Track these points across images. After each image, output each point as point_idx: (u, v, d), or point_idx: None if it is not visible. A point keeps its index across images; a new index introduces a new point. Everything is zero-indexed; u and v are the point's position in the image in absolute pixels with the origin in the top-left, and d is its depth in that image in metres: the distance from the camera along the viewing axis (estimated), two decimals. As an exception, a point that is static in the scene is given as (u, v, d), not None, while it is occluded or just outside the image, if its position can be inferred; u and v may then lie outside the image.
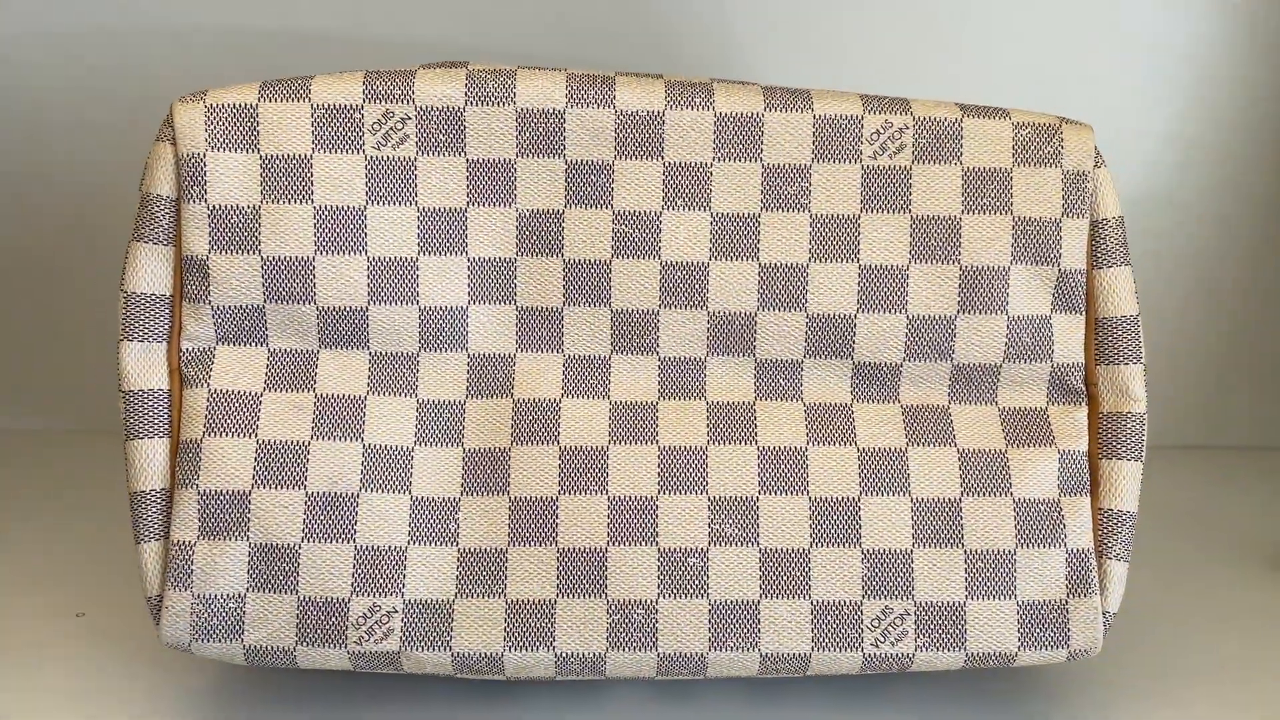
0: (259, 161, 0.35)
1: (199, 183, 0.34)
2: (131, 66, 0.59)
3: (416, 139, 0.36)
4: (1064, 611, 0.36)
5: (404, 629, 0.35)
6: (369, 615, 0.35)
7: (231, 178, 0.35)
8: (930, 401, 0.37)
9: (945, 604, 0.36)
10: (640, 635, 0.35)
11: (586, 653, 0.35)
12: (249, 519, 0.35)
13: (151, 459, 0.35)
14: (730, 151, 0.36)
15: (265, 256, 0.35)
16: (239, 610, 0.35)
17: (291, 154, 0.35)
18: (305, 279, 0.35)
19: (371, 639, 0.35)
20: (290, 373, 0.36)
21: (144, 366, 0.35)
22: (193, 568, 0.35)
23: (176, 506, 0.35)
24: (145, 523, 0.35)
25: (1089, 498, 0.37)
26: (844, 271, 0.36)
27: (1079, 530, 0.37)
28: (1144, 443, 0.37)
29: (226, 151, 0.35)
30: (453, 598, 0.35)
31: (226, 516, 0.35)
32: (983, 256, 0.36)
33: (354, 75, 0.36)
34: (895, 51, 0.60)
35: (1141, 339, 0.37)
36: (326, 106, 0.35)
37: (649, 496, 0.36)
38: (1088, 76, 0.60)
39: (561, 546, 0.36)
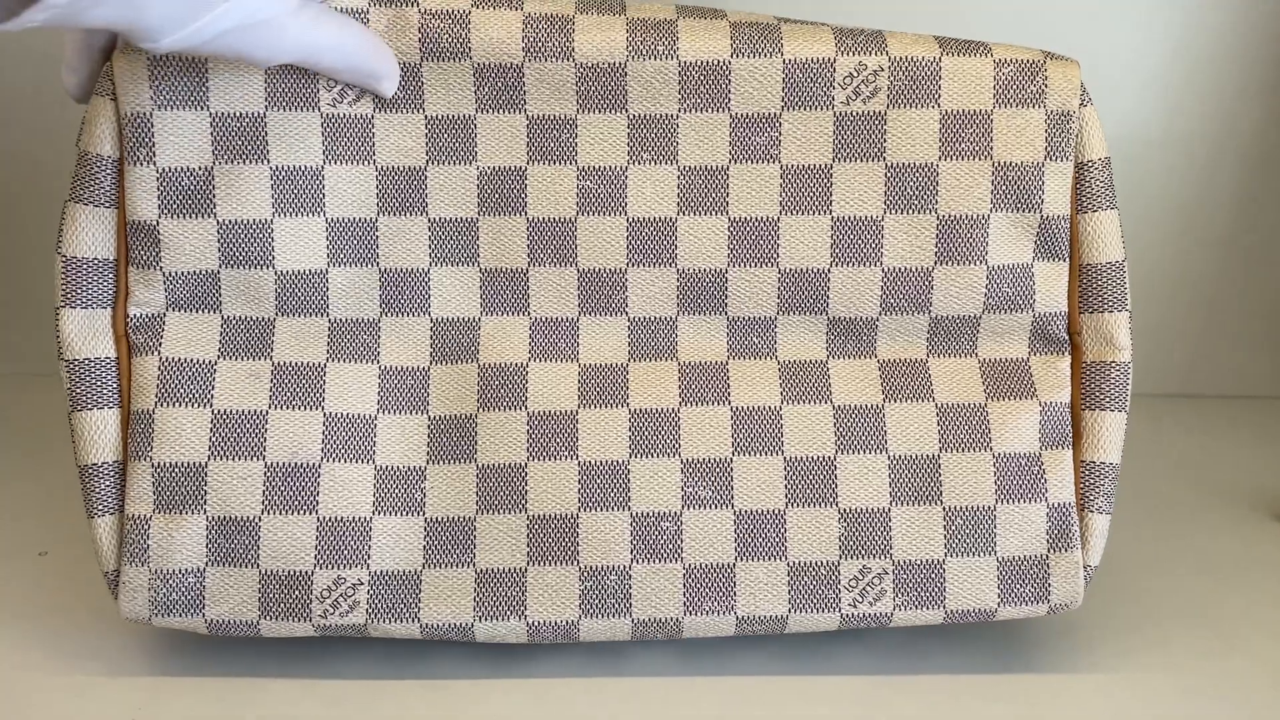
0: (209, 119, 0.33)
1: (145, 144, 0.33)
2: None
3: (373, 96, 0.34)
4: (1044, 567, 0.36)
5: (370, 601, 0.34)
6: (334, 588, 0.34)
7: (181, 138, 0.33)
8: (908, 355, 0.36)
9: (924, 562, 0.35)
10: (614, 601, 0.35)
11: (559, 620, 0.35)
12: (206, 491, 0.34)
13: (101, 431, 0.34)
14: (696, 102, 0.34)
15: (220, 220, 0.34)
16: (199, 585, 0.34)
17: (245, 112, 0.33)
18: (263, 243, 0.34)
19: (336, 612, 0.34)
20: (246, 340, 0.35)
21: (87, 334, 0.34)
22: (149, 543, 0.34)
23: (130, 479, 0.34)
24: (97, 497, 0.34)
25: (1071, 450, 0.36)
26: (816, 224, 0.35)
27: (1060, 484, 0.36)
28: (1129, 393, 0.36)
29: (174, 110, 0.33)
30: (420, 568, 0.35)
31: (182, 489, 0.34)
32: (961, 205, 0.35)
33: None
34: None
35: (1127, 286, 0.36)
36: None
37: (620, 460, 0.35)
38: (1076, 14, 0.59)
39: (531, 514, 0.35)
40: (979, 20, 0.59)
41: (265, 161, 0.34)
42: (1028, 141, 0.35)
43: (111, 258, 0.34)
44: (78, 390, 0.34)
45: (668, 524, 0.35)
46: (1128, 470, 0.43)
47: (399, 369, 0.35)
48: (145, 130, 0.33)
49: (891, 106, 0.34)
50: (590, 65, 0.34)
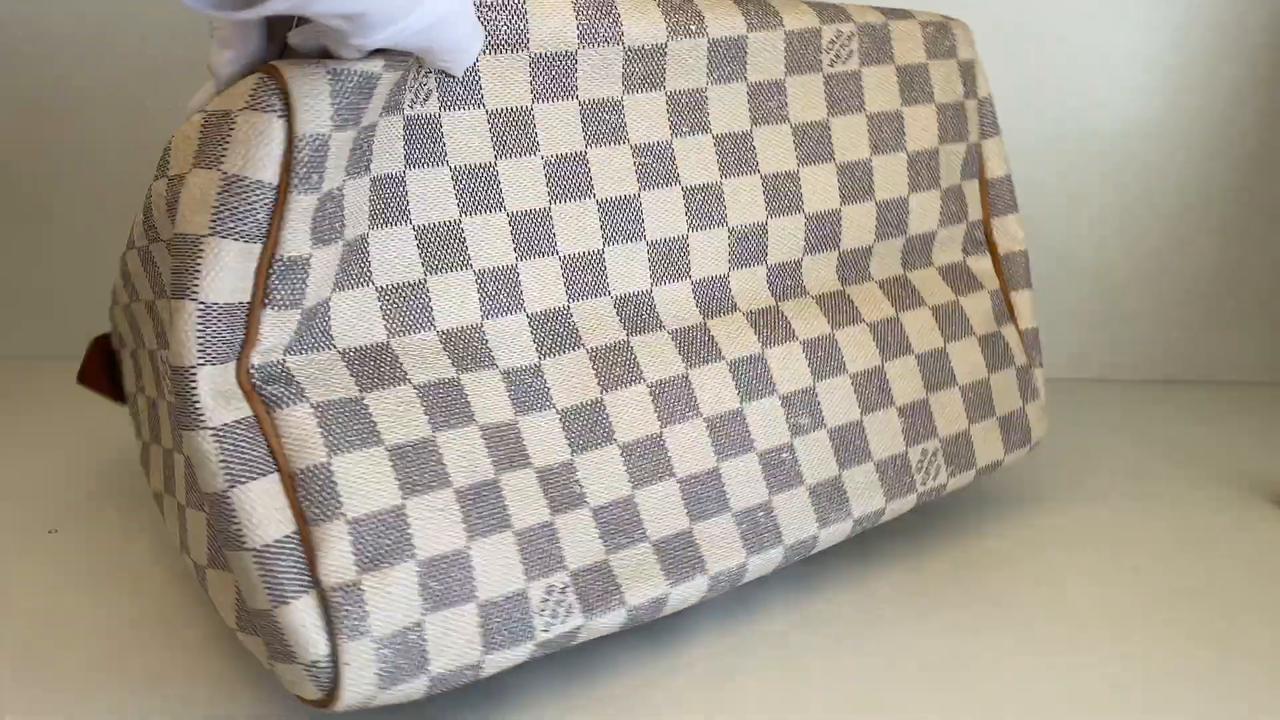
0: (356, 135, 0.30)
1: (318, 169, 0.29)
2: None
3: (439, 95, 0.33)
4: (1024, 416, 0.45)
5: (580, 601, 0.34)
6: (548, 597, 0.33)
7: (338, 160, 0.30)
8: (891, 274, 0.43)
9: (957, 434, 0.43)
10: (768, 535, 0.37)
11: (733, 565, 0.37)
12: (410, 534, 0.31)
13: (271, 502, 0.29)
14: (721, 74, 0.38)
15: (346, 240, 0.31)
16: (420, 640, 0.31)
17: (369, 123, 0.31)
18: (361, 260, 0.32)
19: (557, 620, 0.33)
20: (376, 370, 0.32)
21: (226, 393, 0.29)
22: (367, 609, 0.30)
23: (322, 546, 0.30)
24: (284, 578, 0.30)
25: (1012, 325, 0.46)
26: (826, 171, 0.41)
27: (1018, 351, 0.45)
28: (1030, 274, 0.47)
29: (344, 130, 0.29)
30: (605, 556, 0.35)
31: (386, 539, 0.30)
32: (921, 141, 0.43)
33: None
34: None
35: (1014, 192, 0.46)
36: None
37: (735, 409, 0.38)
38: (1076, 4, 0.60)
39: (680, 476, 0.36)
40: (982, 9, 0.60)
41: (367, 173, 0.32)
42: (952, 86, 0.43)
43: (247, 300, 0.29)
44: (233, 462, 0.29)
45: (786, 454, 0.38)
46: (1126, 454, 0.50)
47: (518, 369, 0.35)
48: (322, 154, 0.29)
49: (864, 65, 0.41)
50: (636, 48, 0.36)
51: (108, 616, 0.40)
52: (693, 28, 0.37)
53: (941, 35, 0.43)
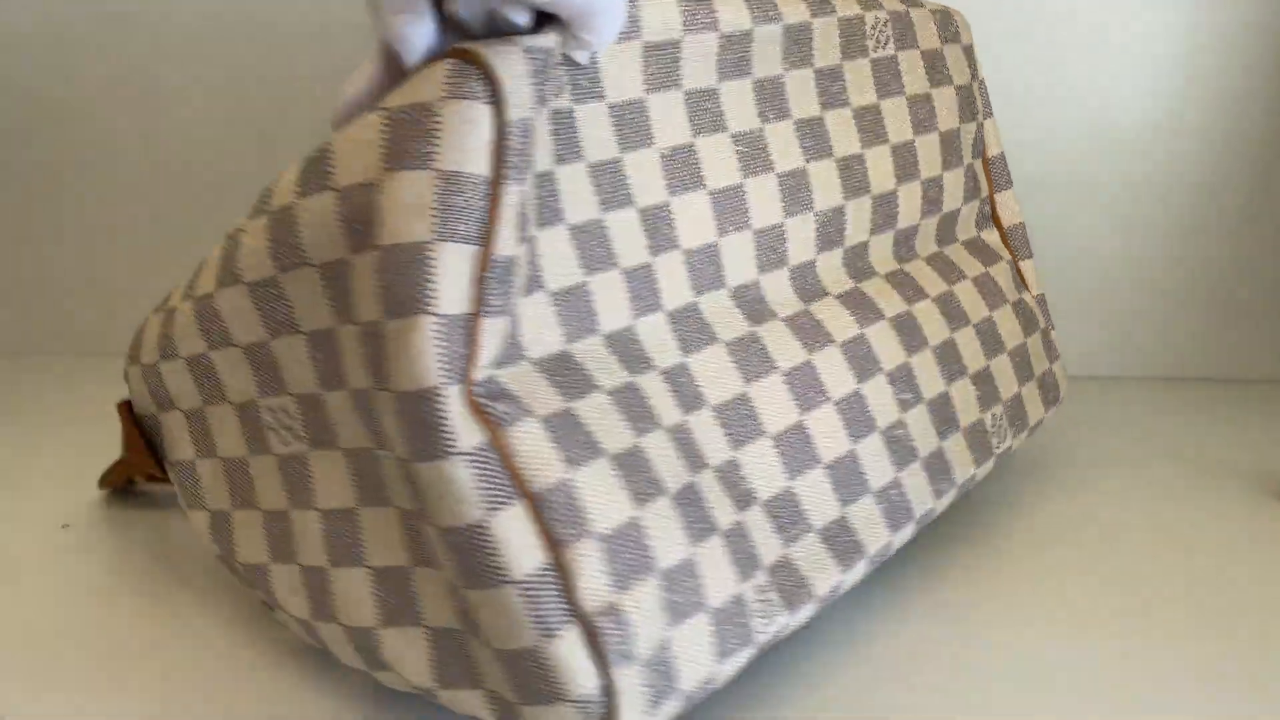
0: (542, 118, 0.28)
1: (526, 157, 0.27)
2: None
3: (571, 89, 0.32)
4: (1053, 374, 0.48)
5: (781, 597, 0.33)
6: (757, 596, 0.32)
7: (535, 147, 0.27)
8: (932, 250, 0.45)
9: (1013, 396, 0.45)
10: (900, 514, 0.38)
11: (881, 546, 0.37)
12: (648, 546, 0.29)
13: (522, 532, 0.27)
14: (794, 61, 0.38)
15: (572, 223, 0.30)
16: (669, 658, 0.29)
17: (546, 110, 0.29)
18: (531, 266, 0.30)
19: (766, 620, 0.32)
20: (564, 374, 0.30)
21: (465, 416, 0.26)
22: (635, 631, 0.28)
23: (578, 571, 0.27)
24: (546, 609, 0.27)
25: (1028, 292, 0.48)
26: (883, 153, 0.42)
27: (1039, 315, 0.48)
28: (1029, 243, 0.50)
29: (539, 114, 0.27)
30: (783, 551, 0.34)
31: (633, 555, 0.28)
32: (948, 122, 0.45)
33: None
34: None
35: (1008, 168, 0.49)
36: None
37: (854, 390, 0.38)
38: (1090, 1, 0.59)
39: (824, 461, 0.36)
40: (992, 4, 0.59)
41: (533, 170, 0.30)
42: (961, 69, 0.46)
43: (469, 310, 0.27)
44: (487, 488, 0.26)
45: (900, 430, 0.39)
46: (1132, 452, 0.51)
47: (670, 369, 0.33)
48: (528, 141, 0.26)
49: (899, 49, 0.43)
50: (728, 35, 0.36)
51: (120, 612, 0.40)
52: (770, 13, 0.37)
53: (947, 21, 0.46)
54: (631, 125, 0.33)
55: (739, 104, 0.36)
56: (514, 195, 0.26)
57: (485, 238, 0.26)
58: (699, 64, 0.35)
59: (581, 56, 0.30)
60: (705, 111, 0.35)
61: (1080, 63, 0.62)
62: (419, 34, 0.27)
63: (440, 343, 0.26)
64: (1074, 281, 0.65)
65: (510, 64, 0.26)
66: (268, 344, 0.31)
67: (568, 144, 0.31)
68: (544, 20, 0.28)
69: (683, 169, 0.34)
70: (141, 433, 0.38)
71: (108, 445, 0.56)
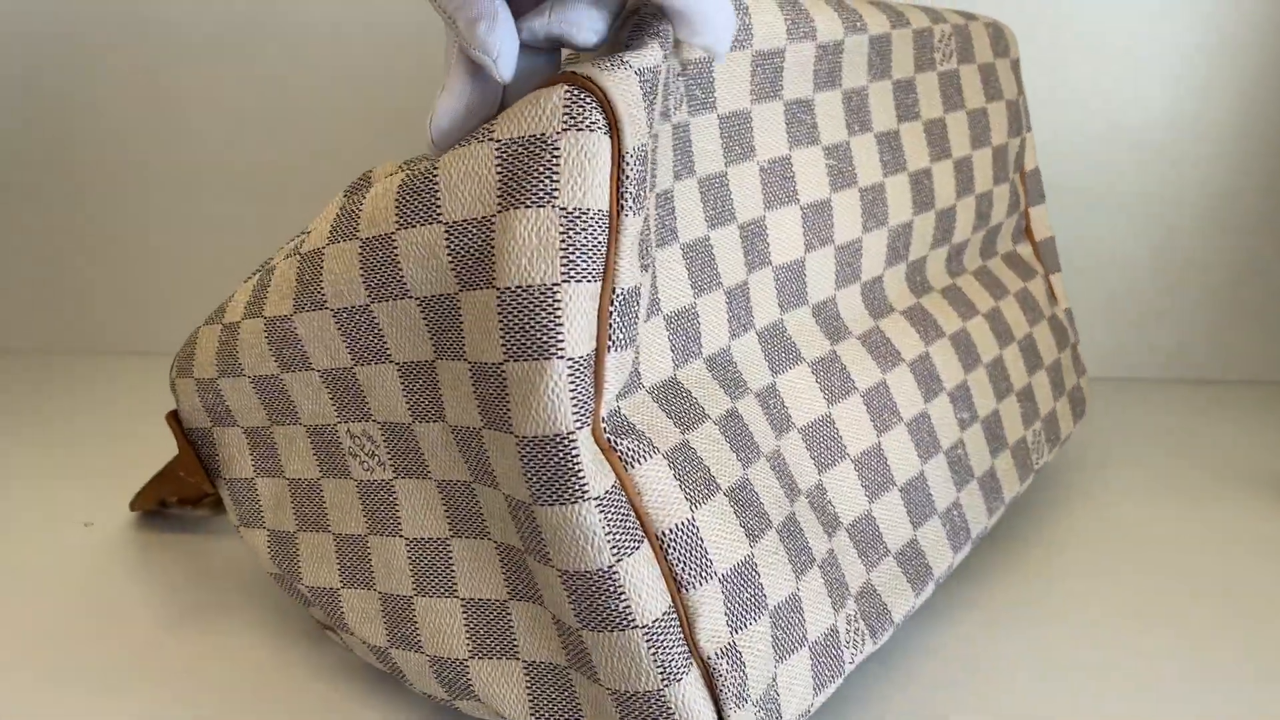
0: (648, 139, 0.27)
1: (645, 186, 0.25)
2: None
3: (688, 100, 0.31)
4: (1080, 389, 0.48)
5: (868, 625, 0.33)
6: (849, 627, 0.32)
7: (651, 172, 0.26)
8: (977, 265, 0.45)
9: (1049, 412, 0.45)
10: (960, 534, 0.38)
11: (945, 567, 0.37)
12: (761, 584, 0.28)
13: (647, 574, 0.26)
14: (876, 72, 0.38)
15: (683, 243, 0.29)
16: (776, 694, 0.29)
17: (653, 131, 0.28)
18: (650, 292, 0.29)
19: (856, 650, 0.32)
20: (680, 404, 0.29)
21: (596, 458, 0.26)
22: (745, 672, 0.27)
23: (698, 612, 0.27)
24: (673, 653, 0.26)
25: (1059, 305, 0.49)
26: (947, 168, 0.41)
27: (1070, 329, 0.48)
28: (1058, 257, 0.50)
29: (652, 137, 0.26)
30: (869, 578, 0.34)
31: (747, 595, 0.28)
32: (999, 136, 0.45)
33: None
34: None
35: (1042, 182, 0.49)
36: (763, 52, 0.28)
37: (924, 410, 0.38)
38: (1108, 2, 0.59)
39: (900, 484, 0.36)
40: (1014, 5, 0.59)
41: (654, 189, 0.29)
42: (1009, 83, 0.46)
43: (594, 348, 0.26)
44: (617, 533, 0.25)
45: (960, 450, 0.39)
46: (1152, 453, 0.51)
47: (762, 390, 0.33)
48: (645, 169, 0.25)
49: (960, 63, 0.42)
50: (823, 45, 0.35)
51: (157, 624, 0.39)
52: (858, 24, 0.36)
53: (999, 36, 0.45)
54: (737, 137, 0.32)
55: (830, 116, 0.35)
56: (634, 226, 0.25)
57: (606, 273, 0.25)
58: (798, 74, 0.34)
59: (715, 50, 0.29)
60: (801, 123, 0.34)
61: (1098, 64, 0.62)
62: (507, 44, 0.25)
63: (572, 387, 0.25)
64: (1093, 282, 0.66)
65: (626, 89, 0.25)
66: (352, 370, 0.30)
67: (683, 159, 0.30)
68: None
69: (779, 183, 0.33)
70: (191, 446, 0.36)
71: (131, 444, 0.56)
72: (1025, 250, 0.49)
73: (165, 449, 0.55)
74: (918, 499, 0.36)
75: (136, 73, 0.68)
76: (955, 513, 0.38)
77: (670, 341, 0.29)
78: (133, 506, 0.44)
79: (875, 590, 0.33)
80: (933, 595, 0.41)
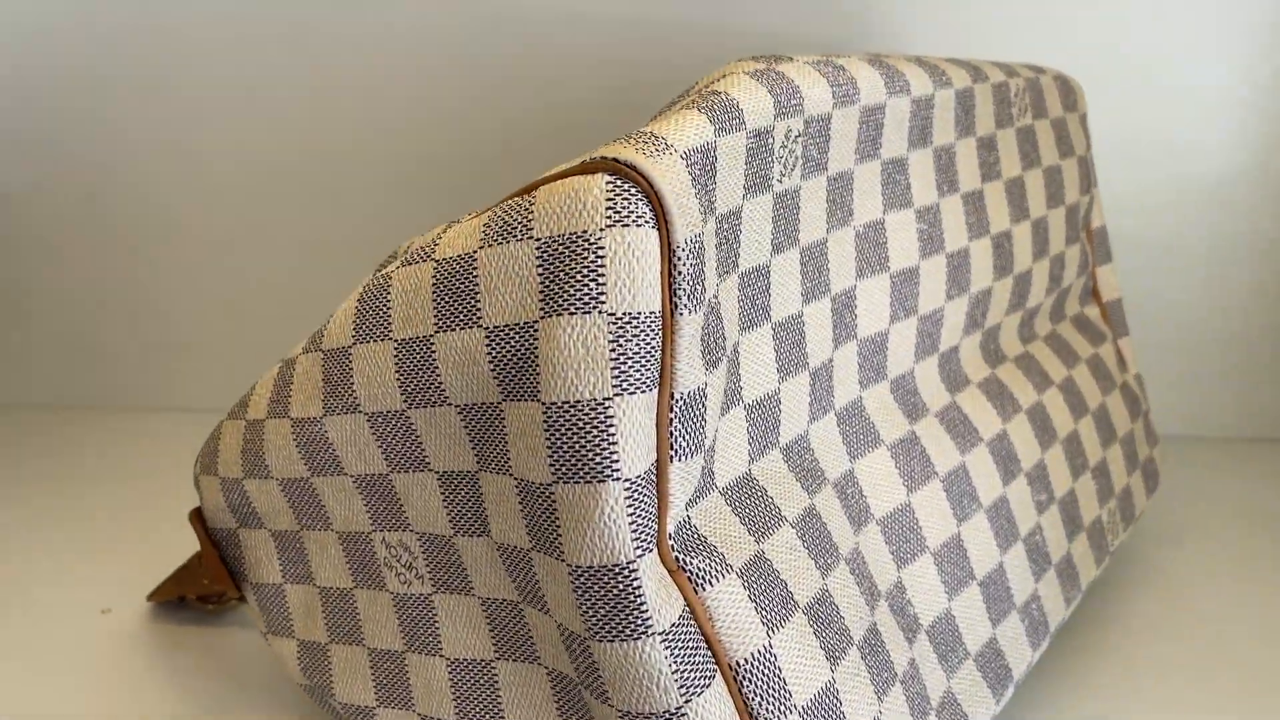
0: (714, 224, 0.24)
1: (700, 280, 0.23)
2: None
3: (803, 162, 0.28)
4: (1153, 461, 0.45)
5: (945, 665, 0.30)
6: (912, 672, 0.29)
7: (710, 261, 0.24)
8: (1047, 330, 0.42)
9: (1124, 488, 0.42)
10: (1041, 629, 0.35)
11: (1024, 666, 0.34)
12: (844, 713, 0.26)
13: (720, 713, 0.23)
14: (962, 129, 0.35)
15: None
16: None
17: (731, 209, 0.25)
18: (735, 373, 0.26)
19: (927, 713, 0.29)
20: (752, 505, 0.26)
21: (661, 585, 0.23)
22: None
23: None
24: None
25: (1129, 372, 0.46)
26: (1025, 229, 0.39)
27: (1142, 398, 0.45)
28: (1126, 320, 0.47)
29: (708, 222, 0.24)
30: (948, 683, 0.31)
31: None
32: (1072, 195, 0.42)
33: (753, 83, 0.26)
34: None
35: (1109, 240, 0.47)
36: (757, 131, 0.26)
37: (1001, 497, 0.35)
38: (1171, 45, 0.58)
39: (979, 578, 0.33)
40: (1075, 54, 0.58)
41: (736, 270, 0.26)
42: (1079, 138, 0.43)
43: (655, 460, 0.23)
44: (686, 670, 0.23)
45: (1039, 536, 0.36)
46: (1225, 523, 0.49)
47: (839, 479, 0.30)
48: (700, 260, 0.23)
49: (1034, 119, 0.40)
50: (916, 99, 0.32)
51: (160, 710, 0.37)
52: (943, 79, 0.34)
53: (1068, 90, 0.43)
54: (839, 201, 0.29)
55: (922, 176, 0.33)
56: (691, 325, 0.23)
57: (663, 379, 0.23)
58: (895, 130, 0.31)
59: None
60: (896, 184, 0.32)
61: (1162, 113, 0.59)
62: None
63: (631, 510, 0.22)
64: (1155, 337, 0.63)
65: (673, 176, 0.23)
66: (388, 477, 0.28)
67: (788, 229, 0.27)
68: None
69: (872, 250, 0.31)
70: (216, 547, 0.34)
71: (156, 516, 0.54)
72: (1093, 312, 0.46)
73: (185, 531, 0.53)
74: (997, 594, 0.33)
75: (163, 126, 0.67)
76: (1034, 606, 0.35)
77: (749, 433, 0.27)
78: (151, 599, 0.42)
79: (956, 700, 0.31)
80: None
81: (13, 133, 0.68)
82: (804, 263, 0.28)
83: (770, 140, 0.26)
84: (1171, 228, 0.61)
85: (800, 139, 0.27)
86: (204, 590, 0.38)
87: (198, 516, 0.34)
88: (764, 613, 0.24)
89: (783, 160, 0.27)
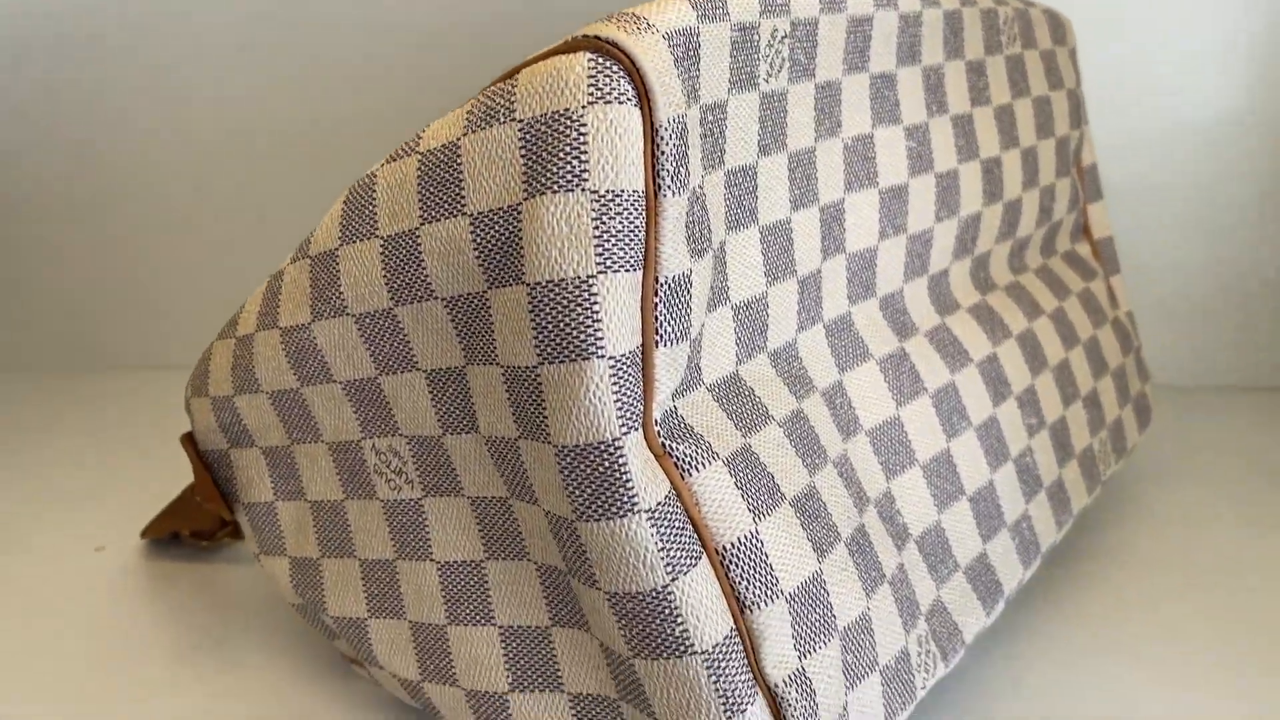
0: (697, 115, 0.24)
1: (684, 161, 0.23)
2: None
3: (789, 62, 0.28)
4: (1145, 397, 0.45)
5: (938, 644, 0.30)
6: (920, 649, 0.29)
7: (694, 146, 0.24)
8: (1039, 263, 0.42)
9: (1116, 420, 0.42)
10: (1030, 549, 0.35)
11: (1015, 584, 0.34)
12: (830, 603, 0.26)
13: (707, 593, 0.24)
14: (951, 50, 0.35)
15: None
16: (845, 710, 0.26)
17: (716, 101, 0.25)
18: (721, 277, 0.26)
19: (928, 674, 0.29)
20: (741, 405, 0.26)
21: (647, 466, 0.23)
22: (816, 701, 0.25)
23: (764, 635, 0.24)
24: (736, 682, 0.24)
25: (1120, 309, 0.46)
26: (1015, 157, 0.39)
27: (1133, 333, 0.45)
28: (1118, 258, 0.47)
29: (694, 106, 0.24)
30: (938, 595, 0.31)
31: (817, 617, 0.25)
32: (1062, 127, 0.42)
33: None
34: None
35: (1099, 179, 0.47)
36: (743, 25, 0.26)
37: (992, 415, 0.35)
38: None
39: (969, 494, 0.33)
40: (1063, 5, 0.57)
41: (722, 166, 0.26)
42: (1069, 72, 0.43)
43: (640, 343, 0.23)
44: (673, 548, 0.23)
45: (1029, 459, 0.36)
46: (1218, 464, 0.48)
47: (828, 389, 0.30)
48: (683, 141, 0.23)
49: (1024, 48, 0.40)
50: (904, 15, 0.32)
51: (156, 643, 0.38)
52: None
53: (1057, 23, 0.43)
54: (827, 110, 0.29)
55: (911, 93, 0.33)
56: (675, 207, 0.23)
57: (648, 259, 0.23)
58: (882, 45, 0.31)
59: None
60: (885, 99, 0.32)
61: (1153, 60, 0.59)
62: None
63: (616, 388, 0.22)
64: (1147, 285, 0.63)
65: (655, 55, 0.23)
66: (376, 380, 0.28)
67: (775, 132, 0.27)
68: None
69: (861, 163, 0.31)
70: (208, 471, 0.34)
71: (145, 463, 0.54)
72: (1084, 249, 0.46)
73: (177, 470, 0.53)
74: (987, 510, 0.33)
75: (148, 75, 0.67)
76: (1024, 525, 0.35)
77: (736, 334, 0.27)
78: (144, 535, 0.42)
79: (946, 608, 0.31)
80: (997, 617, 0.38)
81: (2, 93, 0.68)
82: (792, 169, 0.28)
83: (755, 36, 0.26)
84: (1162, 174, 0.61)
85: (787, 40, 0.27)
86: (197, 525, 0.38)
87: (189, 440, 0.34)
88: (750, 500, 0.24)
89: (769, 60, 0.27)
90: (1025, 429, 0.36)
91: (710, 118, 0.25)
